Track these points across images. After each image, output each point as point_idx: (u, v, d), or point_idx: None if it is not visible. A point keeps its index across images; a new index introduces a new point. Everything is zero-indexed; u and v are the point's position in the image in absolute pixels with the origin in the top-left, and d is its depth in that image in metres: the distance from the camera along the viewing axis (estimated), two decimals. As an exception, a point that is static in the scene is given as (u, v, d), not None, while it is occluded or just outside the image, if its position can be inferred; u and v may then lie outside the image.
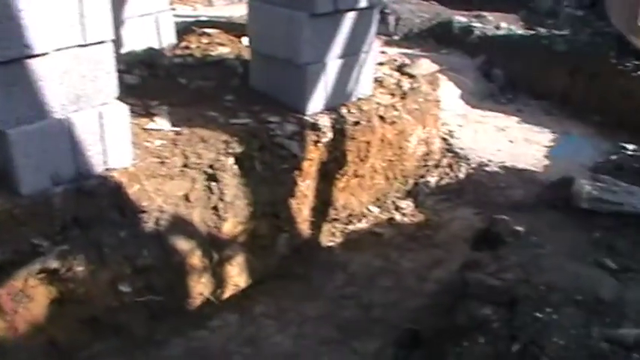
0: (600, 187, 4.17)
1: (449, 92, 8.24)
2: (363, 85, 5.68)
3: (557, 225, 4.14)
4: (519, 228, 3.99)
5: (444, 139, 7.10)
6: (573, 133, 7.85)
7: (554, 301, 3.27)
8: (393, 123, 5.79)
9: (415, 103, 6.22)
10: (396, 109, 5.92)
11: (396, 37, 10.04)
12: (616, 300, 3.29)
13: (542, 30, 9.73)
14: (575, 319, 3.16)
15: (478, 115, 8.13)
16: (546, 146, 7.39)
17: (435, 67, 6.73)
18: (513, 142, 7.39)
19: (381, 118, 5.71)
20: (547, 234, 4.03)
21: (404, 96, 6.12)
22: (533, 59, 8.91)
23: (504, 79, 9.02)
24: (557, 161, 6.94)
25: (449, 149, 6.98)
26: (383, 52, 6.66)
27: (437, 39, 9.80)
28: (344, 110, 5.53)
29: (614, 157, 5.88)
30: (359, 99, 5.69)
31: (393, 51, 9.35)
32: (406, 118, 6.00)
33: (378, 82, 6.04)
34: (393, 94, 6.05)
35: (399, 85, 6.16)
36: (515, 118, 8.17)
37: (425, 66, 6.66)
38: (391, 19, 10.15)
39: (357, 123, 5.52)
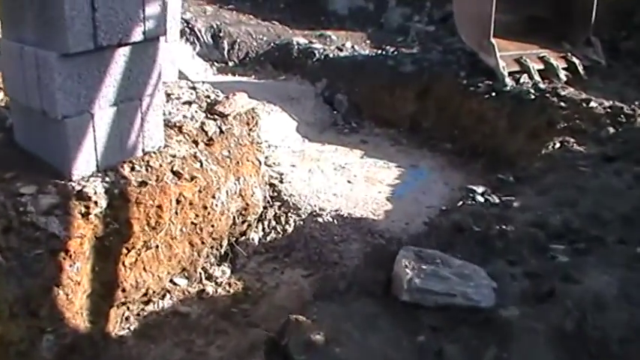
0: (425, 273, 3.26)
1: (284, 125, 7.31)
2: (150, 136, 4.58)
3: (373, 324, 3.20)
4: (318, 336, 2.99)
5: (272, 185, 6.11)
6: (422, 166, 7.08)
7: None
8: (193, 179, 4.71)
9: (225, 150, 5.19)
10: (198, 161, 4.85)
11: (230, 64, 8.99)
12: None
13: (390, 49, 8.99)
14: None
15: (316, 150, 7.22)
16: (390, 185, 6.55)
17: (253, 102, 5.72)
18: (353, 183, 6.51)
19: (177, 174, 4.62)
20: (357, 339, 3.07)
21: (210, 142, 5.08)
22: (379, 82, 8.12)
23: (348, 105, 8.21)
24: (401, 204, 6.12)
25: (277, 197, 5.98)
26: (191, 89, 5.59)
27: (275, 64, 8.84)
28: (126, 169, 4.41)
29: (460, 203, 5.10)
30: (147, 153, 4.58)
31: (228, 79, 8.34)
32: (212, 169, 4.94)
33: (177, 127, 4.96)
34: (195, 142, 4.99)
35: (203, 129, 5.10)
36: (359, 152, 7.32)
37: (241, 102, 5.63)
38: (225, 43, 9.11)
39: (143, 184, 4.40)
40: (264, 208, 5.79)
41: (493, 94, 7.29)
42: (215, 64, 8.97)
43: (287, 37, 9.24)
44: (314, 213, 5.82)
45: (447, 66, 8.02)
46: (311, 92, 8.26)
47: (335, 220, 5.74)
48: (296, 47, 8.88)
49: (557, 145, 5.87)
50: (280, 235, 5.66)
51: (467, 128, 7.40)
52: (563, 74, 7.59)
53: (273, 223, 5.74)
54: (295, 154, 7.04)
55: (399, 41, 9.44)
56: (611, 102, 6.60)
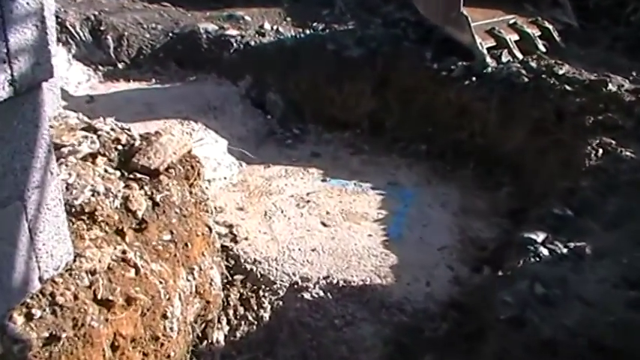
0: None
1: (212, 149, 5.51)
2: (50, 252, 2.70)
3: None
4: None
5: (225, 249, 4.34)
6: (403, 183, 5.50)
7: None
8: (130, 301, 2.89)
9: (166, 231, 3.37)
10: (131, 265, 3.01)
11: (120, 65, 6.93)
12: None
13: (319, 26, 7.25)
14: None
15: (261, 177, 5.56)
16: (377, 220, 4.93)
17: (187, 141, 3.89)
18: (330, 225, 4.84)
19: (103, 303, 2.78)
20: None
21: (142, 227, 3.25)
22: (321, 73, 6.40)
23: (284, 106, 6.46)
24: (405, 250, 4.55)
25: (235, 268, 4.23)
26: (90, 133, 3.66)
27: (179, 61, 6.89)
28: (19, 321, 2.56)
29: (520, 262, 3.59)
30: (49, 281, 2.70)
31: (122, 87, 6.34)
32: (154, 271, 3.12)
33: (87, 215, 3.07)
34: (120, 232, 3.13)
35: (127, 208, 3.24)
36: (316, 172, 5.68)
37: (171, 145, 3.77)
38: (109, 39, 7.02)
39: (52, 339, 2.55)
40: (224, 289, 4.03)
41: (473, 78, 5.75)
42: (100, 68, 6.90)
43: (189, 24, 7.26)
44: (295, 286, 4.14)
45: (397, 44, 6.40)
46: (234, 95, 6.43)
47: (328, 294, 4.08)
48: (204, 36, 6.94)
49: (600, 151, 4.42)
50: (255, 326, 3.94)
51: (445, 124, 5.88)
52: (541, 44, 6.19)
53: (241, 309, 4.03)
54: (237, 189, 5.27)
55: (324, 15, 7.66)
56: (625, 81, 5.25)
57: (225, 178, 5.43)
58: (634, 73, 5.63)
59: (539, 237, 3.74)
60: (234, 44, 6.79)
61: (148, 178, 3.53)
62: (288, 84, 6.49)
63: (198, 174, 3.85)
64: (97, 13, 7.34)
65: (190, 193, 3.75)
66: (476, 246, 4.61)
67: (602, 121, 4.75)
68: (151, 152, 3.68)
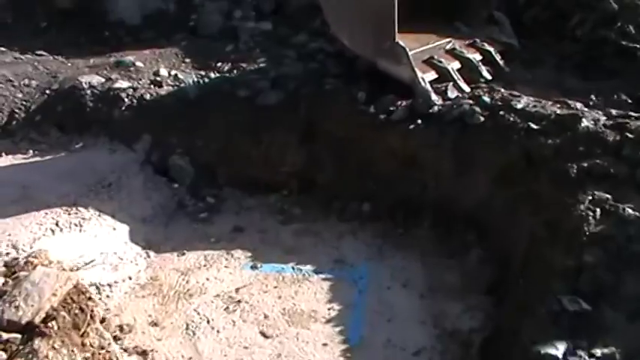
0: None
1: (112, 241, 4.36)
2: None
3: None
4: None
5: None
6: (350, 259, 4.52)
7: None
8: None
9: None
10: None
11: (-12, 135, 5.68)
12: None
13: (224, 66, 6.21)
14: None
15: (175, 271, 4.50)
16: (329, 320, 3.93)
17: (69, 276, 2.77)
18: (272, 336, 3.81)
19: None
20: None
21: None
22: (234, 127, 5.37)
23: (194, 170, 5.36)
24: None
25: None
26: None
27: (61, 124, 5.69)
28: None
29: None
30: None
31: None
32: None
33: None
34: None
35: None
36: (243, 256, 4.67)
37: (52, 281, 2.64)
38: (-30, 102, 5.75)
39: None
40: None
41: (419, 121, 4.85)
42: (-40, 139, 5.61)
43: (69, 77, 6.03)
44: None
45: (319, 82, 5.46)
46: (131, 162, 5.29)
47: None
48: (88, 92, 5.74)
49: (597, 211, 3.58)
50: None
51: (389, 178, 4.95)
52: (485, 71, 5.38)
53: None
54: (146, 292, 4.16)
55: (228, 52, 6.61)
56: (598, 113, 4.48)
57: (130, 278, 4.29)
58: (593, 97, 4.90)
59: (559, 350, 2.85)
60: (126, 99, 5.64)
61: (17, 337, 2.39)
62: (196, 143, 5.41)
63: (92, 317, 2.72)
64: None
65: (83, 346, 2.62)
66: (458, 342, 3.67)
67: (589, 169, 3.91)
68: (20, 298, 2.54)
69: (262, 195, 5.24)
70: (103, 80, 5.86)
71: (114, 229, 4.61)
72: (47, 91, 5.95)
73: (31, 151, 5.52)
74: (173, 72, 6.13)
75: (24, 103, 5.91)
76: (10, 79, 6.11)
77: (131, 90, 5.70)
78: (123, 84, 5.77)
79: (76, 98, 5.71)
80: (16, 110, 5.86)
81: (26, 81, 6.10)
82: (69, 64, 6.45)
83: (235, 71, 6.11)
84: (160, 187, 5.21)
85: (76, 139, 5.57)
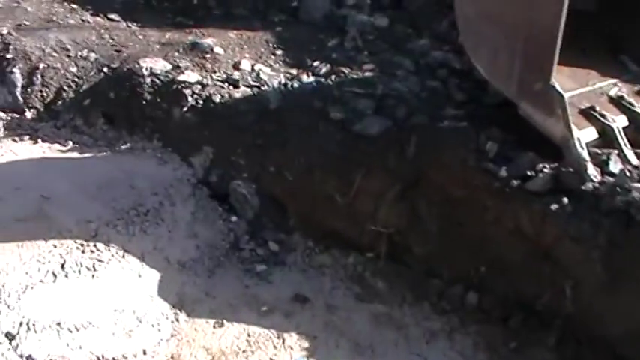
0: None
1: (129, 293, 3.27)
2: None
3: None
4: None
5: None
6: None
7: None
8: None
9: None
10: None
11: (29, 114, 4.71)
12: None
13: (322, 68, 5.00)
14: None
15: (203, 349, 3.27)
16: None
17: None
18: None
19: None
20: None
21: None
22: (317, 155, 4.17)
23: (259, 201, 4.19)
24: None
25: None
26: None
27: (110, 115, 4.65)
28: None
29: None
30: None
31: (22, 151, 4.16)
32: None
33: None
34: None
35: None
36: (298, 347, 3.39)
37: None
38: (17, 72, 4.79)
39: None
40: None
41: (564, 199, 3.49)
42: (1, 115, 4.71)
43: (133, 54, 4.97)
44: None
45: (434, 108, 4.18)
46: (183, 182, 4.21)
47: None
48: (148, 80, 4.64)
49: None
50: None
51: (511, 267, 3.64)
52: (665, 133, 3.95)
53: None
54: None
55: (331, 48, 5.37)
56: None
57: (144, 352, 3.20)
58: None
59: None
60: (190, 97, 4.52)
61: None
62: (267, 168, 4.24)
63: None
64: (7, 30, 5.08)
65: None
66: None
67: None
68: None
69: (340, 252, 4.07)
70: (169, 67, 4.76)
71: (139, 276, 3.53)
72: (105, 69, 4.92)
73: (70, 143, 4.56)
74: (257, 67, 4.96)
75: (76, 80, 4.92)
76: (66, 47, 5.12)
77: (199, 86, 4.57)
78: (190, 76, 4.64)
79: (133, 86, 4.66)
80: (65, 87, 4.88)
81: (84, 52, 5.09)
82: (140, 37, 5.39)
83: (334, 77, 4.86)
84: (212, 219, 4.11)
85: (124, 137, 4.55)
